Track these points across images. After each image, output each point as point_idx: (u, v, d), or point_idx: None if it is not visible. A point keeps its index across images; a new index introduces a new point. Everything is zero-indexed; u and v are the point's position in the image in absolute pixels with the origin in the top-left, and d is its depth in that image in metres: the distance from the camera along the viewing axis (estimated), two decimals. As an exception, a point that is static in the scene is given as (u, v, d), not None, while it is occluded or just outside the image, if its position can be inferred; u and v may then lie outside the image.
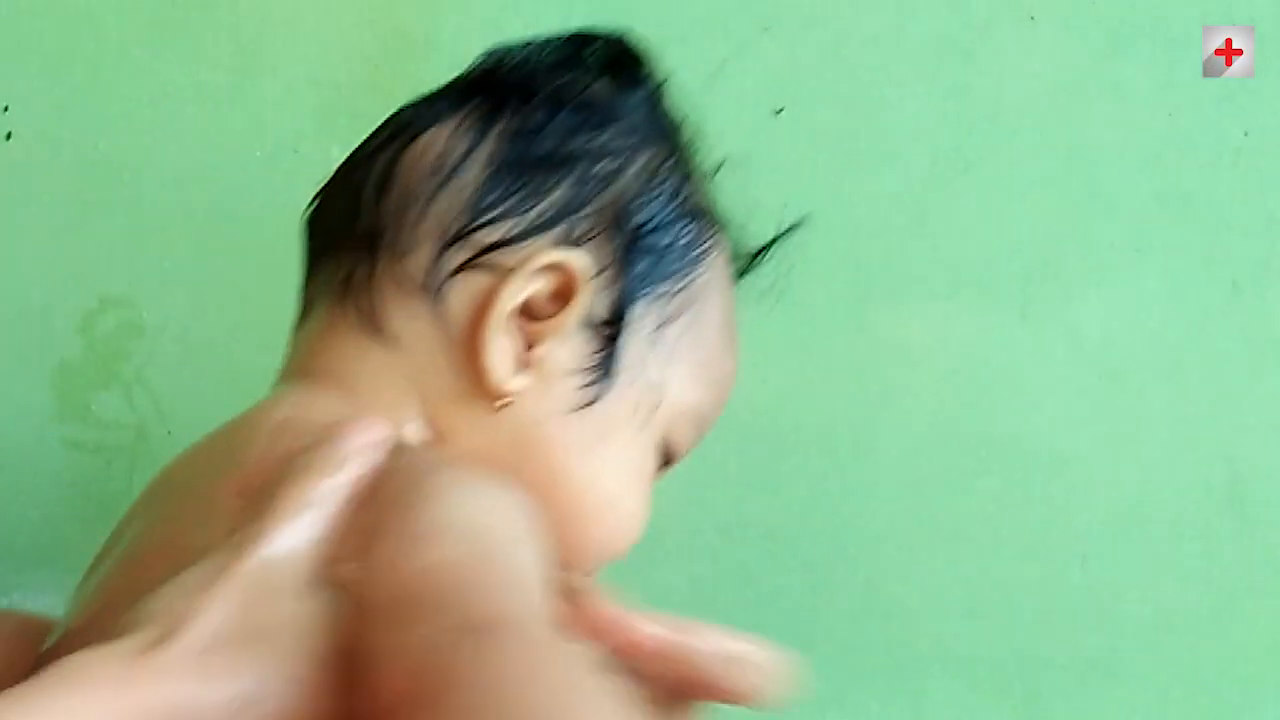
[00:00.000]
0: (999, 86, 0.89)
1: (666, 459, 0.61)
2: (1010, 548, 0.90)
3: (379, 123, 0.62)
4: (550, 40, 0.64)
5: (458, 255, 0.57)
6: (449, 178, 0.58)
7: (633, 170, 0.60)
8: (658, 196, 0.60)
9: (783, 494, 0.89)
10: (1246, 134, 0.89)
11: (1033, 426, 0.89)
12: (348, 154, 0.62)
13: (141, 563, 0.52)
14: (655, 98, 0.63)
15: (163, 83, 0.87)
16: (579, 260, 0.57)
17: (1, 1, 0.86)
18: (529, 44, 0.63)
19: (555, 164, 0.58)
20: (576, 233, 0.58)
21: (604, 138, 0.60)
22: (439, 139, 0.59)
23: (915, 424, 0.89)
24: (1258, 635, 0.91)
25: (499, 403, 0.56)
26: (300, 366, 0.59)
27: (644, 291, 0.58)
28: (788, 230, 0.68)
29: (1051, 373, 0.89)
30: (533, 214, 0.57)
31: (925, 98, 0.88)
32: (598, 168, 0.59)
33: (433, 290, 0.56)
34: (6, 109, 0.86)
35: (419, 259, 0.57)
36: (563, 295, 0.57)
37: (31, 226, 0.88)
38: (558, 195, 0.58)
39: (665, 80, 0.65)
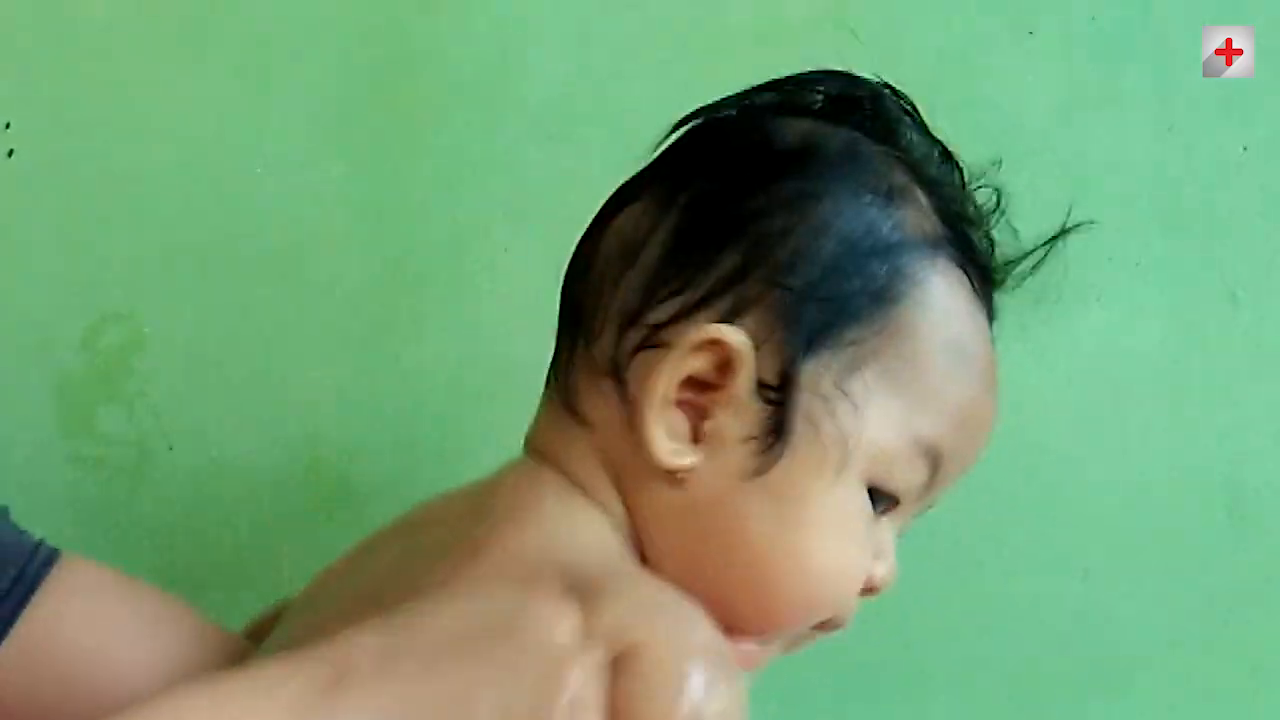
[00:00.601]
0: (998, 100, 0.89)
1: (895, 500, 0.59)
2: (1011, 561, 0.90)
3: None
4: (744, 93, 0.62)
5: (634, 337, 0.57)
6: (632, 259, 0.58)
7: (810, 220, 0.57)
8: (839, 243, 0.57)
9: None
10: (1245, 149, 0.89)
11: (1034, 441, 0.89)
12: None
13: (391, 593, 0.55)
14: (865, 130, 0.60)
15: (164, 98, 0.87)
16: (734, 334, 0.55)
17: (3, 18, 0.86)
18: (722, 102, 0.62)
19: (726, 230, 0.57)
20: (743, 300, 0.56)
21: (781, 192, 0.57)
22: (629, 220, 0.60)
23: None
24: (1258, 648, 0.92)
25: (673, 478, 0.56)
26: (533, 444, 0.61)
27: (819, 347, 0.56)
28: (1058, 236, 0.64)
29: (1052, 387, 0.89)
30: (701, 288, 0.57)
31: (924, 112, 0.89)
32: (769, 225, 0.57)
33: (615, 373, 0.57)
34: (9, 126, 0.86)
35: (605, 343, 0.58)
36: (727, 367, 0.56)
37: (34, 242, 0.87)
38: (727, 263, 0.57)
39: (880, 108, 0.61)
